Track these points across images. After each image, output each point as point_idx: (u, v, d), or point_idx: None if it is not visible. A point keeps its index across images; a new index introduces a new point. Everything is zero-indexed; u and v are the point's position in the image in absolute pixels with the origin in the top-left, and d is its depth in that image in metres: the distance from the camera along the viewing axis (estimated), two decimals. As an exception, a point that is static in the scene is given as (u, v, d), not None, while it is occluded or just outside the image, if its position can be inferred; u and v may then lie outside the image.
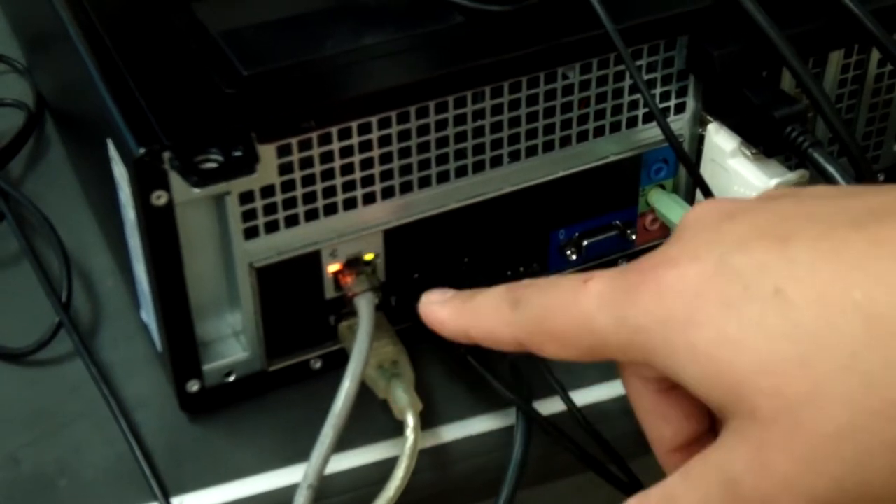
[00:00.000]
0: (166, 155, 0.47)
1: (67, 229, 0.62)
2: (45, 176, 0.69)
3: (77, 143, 0.66)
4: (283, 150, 0.49)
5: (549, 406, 0.55)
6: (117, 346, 0.58)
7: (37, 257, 0.61)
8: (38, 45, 0.70)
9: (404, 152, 0.52)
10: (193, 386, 0.53)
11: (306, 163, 0.50)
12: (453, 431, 0.54)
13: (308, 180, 0.50)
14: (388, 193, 0.53)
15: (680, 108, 0.58)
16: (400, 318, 0.55)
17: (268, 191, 0.50)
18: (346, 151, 0.50)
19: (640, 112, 0.57)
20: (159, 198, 0.48)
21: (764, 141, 0.55)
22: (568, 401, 0.54)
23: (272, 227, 0.51)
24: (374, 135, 0.51)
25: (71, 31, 0.54)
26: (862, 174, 0.52)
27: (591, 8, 0.53)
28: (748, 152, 0.55)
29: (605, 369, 0.57)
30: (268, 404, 0.55)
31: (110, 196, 0.53)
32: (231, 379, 0.54)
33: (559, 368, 0.55)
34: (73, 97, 0.62)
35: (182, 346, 0.52)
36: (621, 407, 0.55)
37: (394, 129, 0.51)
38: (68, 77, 0.60)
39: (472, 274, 0.56)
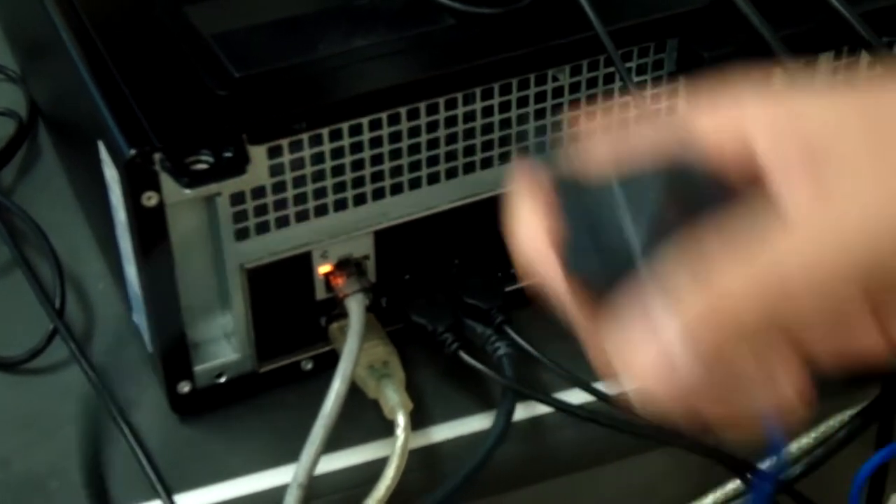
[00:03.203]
0: (157, 156, 0.47)
1: (59, 236, 0.63)
2: (37, 184, 0.70)
3: (69, 148, 0.66)
4: (274, 152, 0.49)
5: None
6: (110, 350, 0.58)
7: (29, 265, 0.62)
8: (31, 51, 0.70)
9: (395, 154, 0.52)
10: (184, 387, 0.54)
11: (297, 164, 0.50)
12: (443, 431, 0.55)
13: (299, 181, 0.51)
14: (378, 195, 0.53)
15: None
16: (391, 320, 0.55)
17: (258, 192, 0.50)
18: (337, 153, 0.51)
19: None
20: (150, 199, 0.48)
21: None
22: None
23: (263, 228, 0.51)
24: (365, 136, 0.51)
25: (64, 35, 0.55)
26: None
27: (581, 10, 0.53)
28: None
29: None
30: (259, 405, 0.55)
31: (102, 199, 0.54)
32: (222, 380, 0.54)
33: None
34: (65, 102, 0.62)
35: (173, 347, 0.53)
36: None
37: (384, 131, 0.51)
38: (61, 81, 0.61)
39: (462, 275, 0.56)
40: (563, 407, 0.54)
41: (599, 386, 0.55)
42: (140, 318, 0.55)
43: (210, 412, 0.55)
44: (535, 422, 0.55)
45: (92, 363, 0.57)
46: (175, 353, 0.53)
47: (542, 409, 0.55)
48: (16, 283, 0.61)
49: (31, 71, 0.73)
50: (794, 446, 0.60)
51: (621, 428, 0.55)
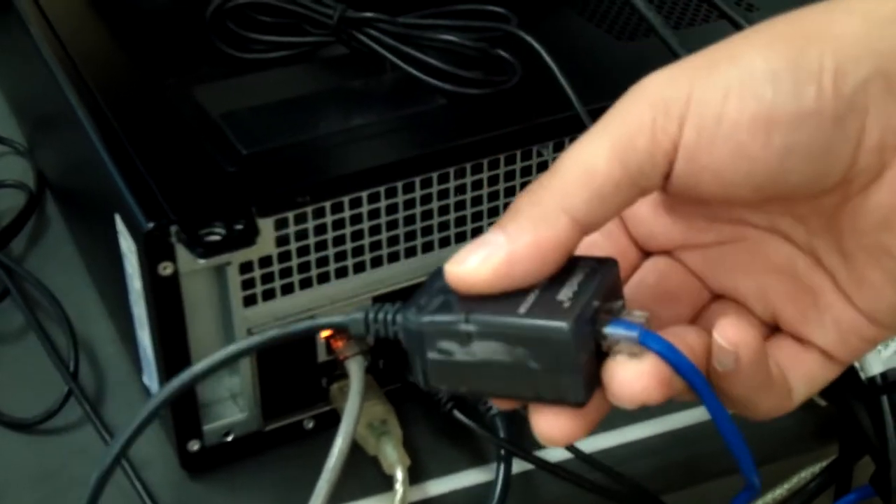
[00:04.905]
0: (173, 229, 0.50)
1: (69, 301, 0.66)
2: (47, 252, 0.73)
3: (81, 219, 0.69)
4: (280, 224, 0.53)
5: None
6: (120, 411, 0.61)
7: (43, 330, 0.65)
8: (42, 127, 0.74)
9: (392, 224, 0.56)
10: (194, 445, 0.57)
11: (301, 235, 0.54)
12: (439, 485, 0.58)
13: (303, 251, 0.54)
14: (376, 263, 0.56)
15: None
16: (388, 380, 0.59)
17: (266, 261, 0.53)
18: (339, 224, 0.54)
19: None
20: (166, 268, 0.51)
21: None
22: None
23: (269, 295, 0.54)
24: (364, 209, 0.54)
25: (79, 114, 0.58)
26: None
27: (562, 91, 0.57)
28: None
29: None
30: (264, 462, 0.58)
31: (115, 268, 0.57)
32: (229, 438, 0.58)
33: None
34: (79, 176, 0.66)
35: (184, 407, 0.56)
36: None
37: (382, 204, 0.55)
38: (76, 157, 0.64)
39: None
40: (543, 465, 0.57)
41: (579, 445, 0.59)
42: (150, 380, 0.58)
43: (218, 469, 0.58)
44: (523, 476, 0.59)
45: (105, 423, 0.60)
46: (185, 414, 0.56)
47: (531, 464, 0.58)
48: (30, 348, 0.65)
49: (40, 145, 0.76)
50: (769, 497, 0.63)
51: (590, 488, 0.58)
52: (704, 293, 0.42)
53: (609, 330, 0.36)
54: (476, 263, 0.37)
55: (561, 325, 0.35)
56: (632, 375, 0.36)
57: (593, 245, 0.40)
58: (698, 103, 0.36)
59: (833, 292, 0.39)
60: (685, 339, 0.37)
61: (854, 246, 0.38)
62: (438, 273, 0.38)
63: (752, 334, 0.37)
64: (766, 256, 0.40)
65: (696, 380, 0.36)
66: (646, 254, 0.43)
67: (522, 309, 0.36)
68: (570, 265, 0.38)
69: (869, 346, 0.40)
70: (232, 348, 0.41)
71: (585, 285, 0.37)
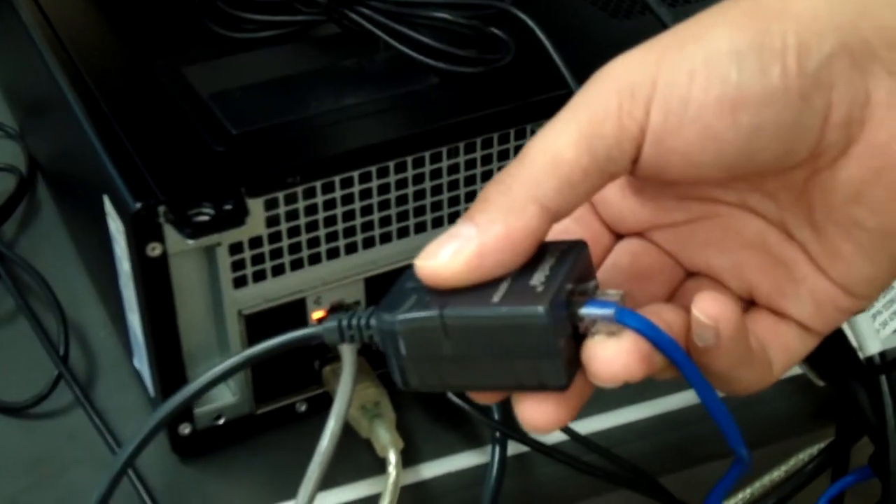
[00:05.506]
0: (161, 209, 0.50)
1: (60, 285, 0.65)
2: (38, 236, 0.72)
3: (71, 202, 0.69)
4: (271, 204, 0.52)
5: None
6: (111, 395, 0.61)
7: (33, 314, 0.64)
8: (33, 110, 0.73)
9: (384, 205, 0.55)
10: (185, 429, 0.56)
11: (292, 215, 0.53)
12: (433, 468, 0.57)
13: (294, 232, 0.54)
14: (368, 244, 0.56)
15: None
16: (381, 362, 0.58)
17: (256, 242, 0.53)
18: (330, 204, 0.54)
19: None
20: (154, 249, 0.51)
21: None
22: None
23: (260, 277, 0.54)
24: (356, 188, 0.54)
25: (69, 96, 0.58)
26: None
27: (556, 69, 0.56)
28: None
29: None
30: (256, 445, 0.58)
31: (104, 250, 0.56)
32: (221, 422, 0.57)
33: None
34: (69, 158, 0.65)
35: (174, 390, 0.55)
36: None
37: (374, 183, 0.54)
38: (65, 139, 0.63)
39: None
40: (539, 447, 0.57)
41: (575, 427, 0.58)
42: (141, 363, 0.57)
43: (209, 452, 0.57)
44: (519, 459, 0.58)
45: (95, 407, 0.60)
46: (176, 397, 0.55)
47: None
48: (21, 332, 0.64)
49: (31, 128, 0.76)
50: (766, 479, 0.63)
51: (585, 470, 0.57)
52: (678, 271, 0.42)
53: (585, 311, 0.36)
54: (447, 257, 0.36)
55: (536, 309, 0.35)
56: (611, 354, 0.35)
57: (565, 231, 0.40)
58: (664, 86, 0.35)
59: (807, 265, 0.39)
60: (662, 316, 0.37)
61: (825, 219, 0.37)
62: (408, 273, 0.38)
63: (732, 308, 0.36)
64: (737, 232, 0.40)
65: (675, 354, 0.36)
66: (618, 236, 0.42)
67: (496, 298, 0.35)
68: (541, 251, 0.37)
69: (846, 317, 0.40)
70: (213, 373, 0.41)
71: (557, 269, 0.36)
